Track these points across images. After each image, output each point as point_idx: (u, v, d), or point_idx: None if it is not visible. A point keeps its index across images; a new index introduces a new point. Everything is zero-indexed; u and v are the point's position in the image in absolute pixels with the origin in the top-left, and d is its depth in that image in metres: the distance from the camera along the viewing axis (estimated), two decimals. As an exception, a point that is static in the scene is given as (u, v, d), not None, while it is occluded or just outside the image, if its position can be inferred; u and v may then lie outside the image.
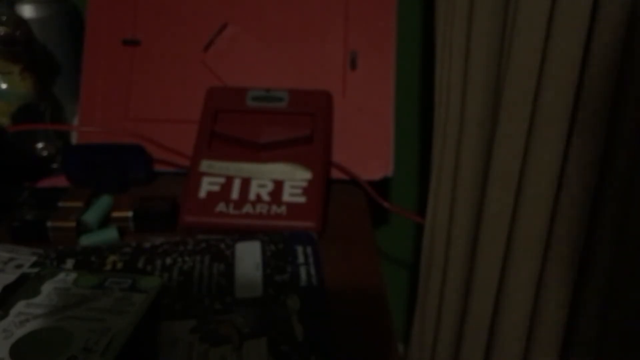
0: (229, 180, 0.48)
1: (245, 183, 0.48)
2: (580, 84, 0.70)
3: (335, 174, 0.56)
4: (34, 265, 0.39)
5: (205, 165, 0.49)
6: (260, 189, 0.48)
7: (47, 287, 0.31)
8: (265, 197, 0.47)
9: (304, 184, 0.48)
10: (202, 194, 0.47)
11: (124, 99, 0.59)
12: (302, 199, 0.47)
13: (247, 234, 0.44)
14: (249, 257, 0.41)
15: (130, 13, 0.60)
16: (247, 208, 0.47)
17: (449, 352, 0.90)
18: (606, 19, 0.64)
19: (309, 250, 0.42)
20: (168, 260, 0.40)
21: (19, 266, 0.39)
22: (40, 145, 0.57)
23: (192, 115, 0.57)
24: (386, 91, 0.58)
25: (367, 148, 0.57)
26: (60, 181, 0.54)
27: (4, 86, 0.56)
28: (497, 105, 0.73)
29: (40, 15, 0.61)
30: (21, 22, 0.56)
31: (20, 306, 0.29)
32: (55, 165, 0.57)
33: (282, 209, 0.47)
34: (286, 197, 0.47)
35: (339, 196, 0.54)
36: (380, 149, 0.57)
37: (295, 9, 0.59)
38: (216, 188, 0.48)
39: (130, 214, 0.47)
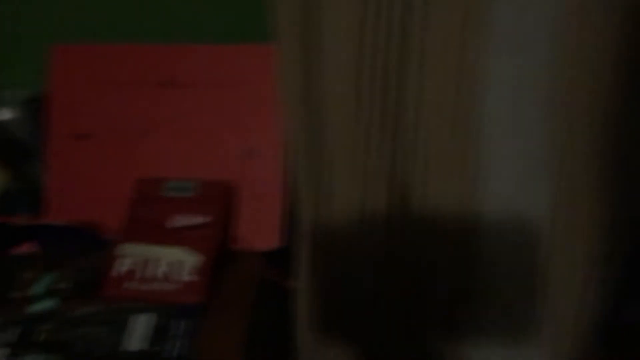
0: (139, 260, 0.64)
1: (152, 263, 0.64)
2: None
3: (235, 245, 0.71)
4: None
5: (122, 248, 0.65)
6: (162, 268, 0.64)
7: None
8: (166, 276, 0.63)
9: (199, 264, 0.64)
10: (116, 272, 0.63)
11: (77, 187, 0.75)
12: (194, 278, 0.63)
13: (145, 306, 0.60)
14: (140, 327, 0.57)
15: (82, 111, 0.76)
16: (150, 285, 0.62)
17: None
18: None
19: (189, 323, 0.58)
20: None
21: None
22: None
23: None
24: (276, 176, 0.72)
25: (259, 224, 0.71)
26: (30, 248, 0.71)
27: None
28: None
29: (17, 115, 0.78)
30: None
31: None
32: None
33: (178, 286, 0.62)
34: (182, 276, 0.63)
35: (235, 265, 0.69)
36: (271, 224, 0.71)
37: (204, 111, 0.73)
38: (128, 267, 0.64)
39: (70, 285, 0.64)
